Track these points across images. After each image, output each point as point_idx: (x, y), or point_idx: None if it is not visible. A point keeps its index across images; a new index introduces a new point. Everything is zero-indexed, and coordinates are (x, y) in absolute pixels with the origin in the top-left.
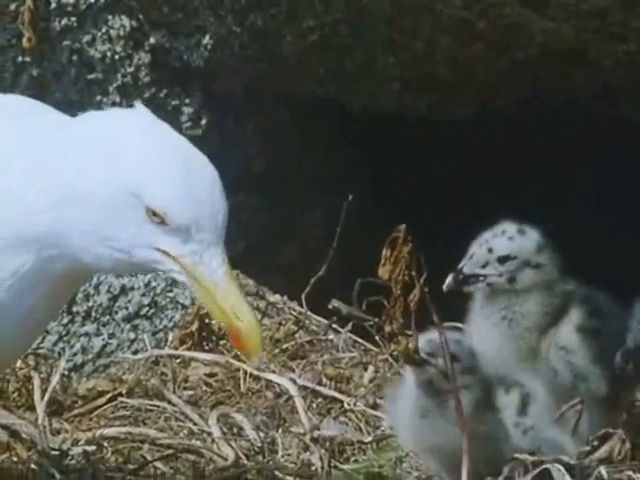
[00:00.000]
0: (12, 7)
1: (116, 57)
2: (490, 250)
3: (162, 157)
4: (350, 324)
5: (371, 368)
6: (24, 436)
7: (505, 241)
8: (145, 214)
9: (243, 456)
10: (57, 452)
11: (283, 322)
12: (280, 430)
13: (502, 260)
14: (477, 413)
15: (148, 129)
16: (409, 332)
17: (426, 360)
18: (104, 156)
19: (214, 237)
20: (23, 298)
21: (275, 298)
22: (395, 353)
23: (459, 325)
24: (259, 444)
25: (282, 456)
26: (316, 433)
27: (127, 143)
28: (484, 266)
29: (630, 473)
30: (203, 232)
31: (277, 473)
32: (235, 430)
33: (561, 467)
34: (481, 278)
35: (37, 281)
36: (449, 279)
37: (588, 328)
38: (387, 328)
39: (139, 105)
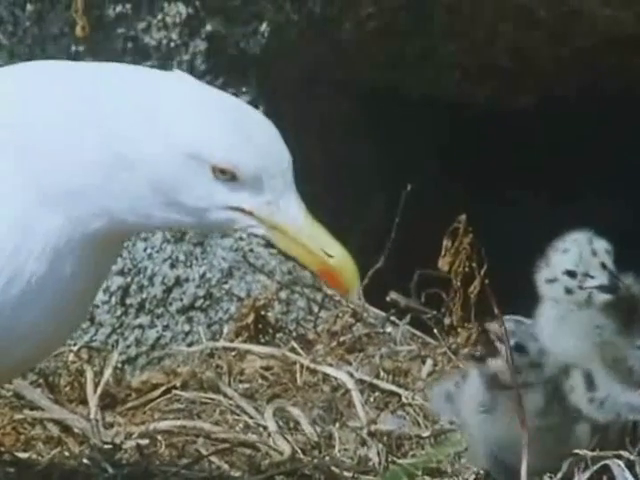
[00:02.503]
0: None
1: (172, 45)
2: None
3: (218, 115)
4: (408, 316)
5: (429, 361)
6: (76, 430)
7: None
8: (212, 174)
9: (299, 450)
10: (110, 446)
11: (340, 315)
12: (337, 424)
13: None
14: (545, 408)
15: (195, 91)
16: (469, 325)
17: (485, 355)
18: (150, 123)
19: (286, 183)
20: (57, 267)
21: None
22: (454, 346)
23: (521, 318)
24: (316, 438)
25: (339, 451)
26: (373, 427)
27: (173, 107)
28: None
29: None
30: (275, 179)
31: (334, 468)
32: (291, 424)
33: (621, 463)
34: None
35: (71, 246)
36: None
37: None
38: (447, 320)
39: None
